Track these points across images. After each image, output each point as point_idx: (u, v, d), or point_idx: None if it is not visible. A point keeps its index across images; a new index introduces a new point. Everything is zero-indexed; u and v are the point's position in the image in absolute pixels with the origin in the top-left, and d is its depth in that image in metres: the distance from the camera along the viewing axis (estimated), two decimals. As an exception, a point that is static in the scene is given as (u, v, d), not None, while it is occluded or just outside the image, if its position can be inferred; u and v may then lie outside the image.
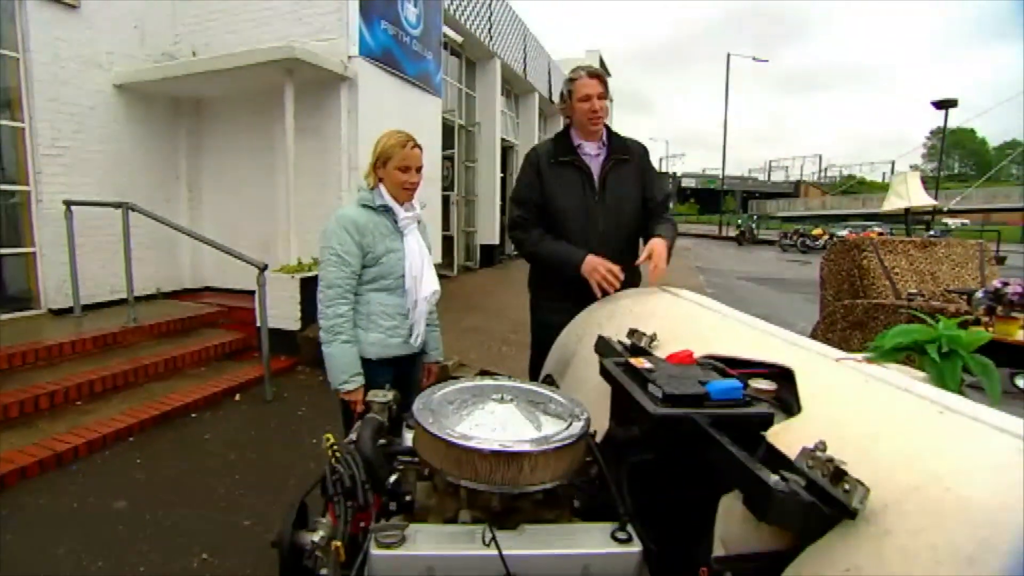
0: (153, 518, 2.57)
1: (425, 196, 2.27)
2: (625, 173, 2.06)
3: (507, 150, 12.21)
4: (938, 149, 29.73)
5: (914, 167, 46.97)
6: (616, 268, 1.86)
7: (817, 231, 22.55)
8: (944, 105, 15.82)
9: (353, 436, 1.13)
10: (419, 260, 2.01)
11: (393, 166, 1.93)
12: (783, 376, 1.00)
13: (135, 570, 2.23)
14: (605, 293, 1.85)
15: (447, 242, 9.01)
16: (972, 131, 62.69)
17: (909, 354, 1.17)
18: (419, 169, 1.99)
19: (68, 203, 4.64)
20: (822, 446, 0.70)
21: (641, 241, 2.04)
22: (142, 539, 2.41)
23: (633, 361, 1.01)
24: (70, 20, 4.86)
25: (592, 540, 0.85)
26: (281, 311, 4.76)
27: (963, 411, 0.76)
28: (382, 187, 1.96)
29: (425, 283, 2.02)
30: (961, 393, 0.96)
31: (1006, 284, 2.84)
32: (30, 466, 2.89)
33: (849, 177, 60.74)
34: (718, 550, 0.79)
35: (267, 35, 5.48)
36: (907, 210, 7.23)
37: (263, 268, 4.13)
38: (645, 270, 2.13)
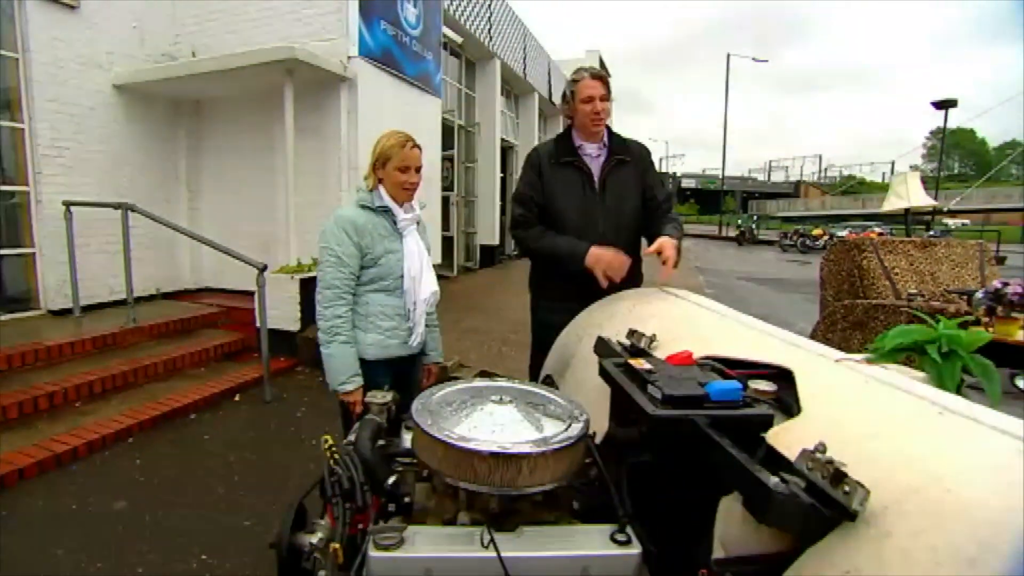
0: (152, 519, 2.57)
1: (425, 197, 2.26)
2: (625, 174, 2.07)
3: (507, 150, 12.22)
4: (938, 149, 29.77)
5: (914, 167, 46.95)
6: (622, 255, 1.86)
7: (817, 231, 22.55)
8: (944, 105, 15.87)
9: (352, 437, 1.13)
10: (418, 261, 2.01)
11: (393, 166, 1.93)
12: (783, 377, 1.00)
13: (134, 571, 2.23)
14: (611, 284, 1.85)
15: (447, 242, 9.01)
16: (972, 131, 62.79)
17: (909, 354, 1.17)
18: (419, 169, 1.98)
19: (68, 203, 4.64)
20: (822, 447, 0.70)
21: (645, 241, 2.05)
22: (141, 540, 2.41)
23: (632, 362, 1.01)
24: (70, 20, 4.85)
25: (591, 542, 0.85)
26: (281, 312, 4.76)
27: (963, 412, 0.76)
28: (382, 188, 1.96)
29: (424, 284, 2.02)
30: (961, 394, 0.96)
31: (1006, 284, 2.84)
32: (29, 467, 2.89)
33: (849, 177, 60.74)
34: (718, 552, 0.79)
35: (267, 35, 5.48)
36: (907, 210, 7.22)
37: (263, 269, 4.13)
38: (646, 271, 2.13)
